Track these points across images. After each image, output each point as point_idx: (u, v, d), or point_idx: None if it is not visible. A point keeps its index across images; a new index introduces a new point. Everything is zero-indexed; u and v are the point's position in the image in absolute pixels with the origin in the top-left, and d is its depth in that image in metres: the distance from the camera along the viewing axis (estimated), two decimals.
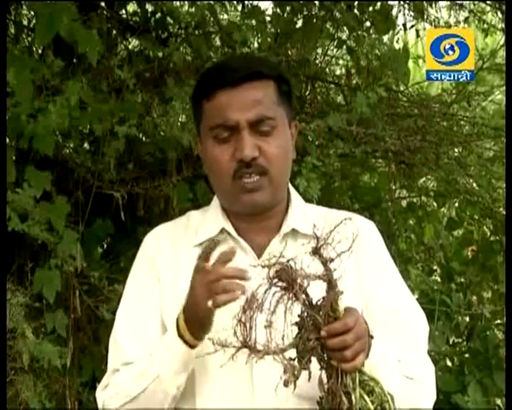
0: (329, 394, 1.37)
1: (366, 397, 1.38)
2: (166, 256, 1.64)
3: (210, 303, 1.40)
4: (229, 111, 1.55)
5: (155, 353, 1.53)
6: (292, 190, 1.69)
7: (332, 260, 1.32)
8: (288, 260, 1.32)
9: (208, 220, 1.65)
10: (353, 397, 1.36)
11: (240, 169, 1.55)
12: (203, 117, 1.61)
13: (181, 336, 1.48)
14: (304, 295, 1.33)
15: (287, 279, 1.31)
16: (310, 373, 1.34)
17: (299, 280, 1.31)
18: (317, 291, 1.35)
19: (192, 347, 1.48)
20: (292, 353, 1.34)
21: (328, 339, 1.34)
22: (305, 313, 1.34)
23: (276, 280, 1.32)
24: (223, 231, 1.62)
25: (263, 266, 1.32)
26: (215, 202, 1.67)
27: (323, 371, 1.38)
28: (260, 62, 1.70)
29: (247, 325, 1.32)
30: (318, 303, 1.34)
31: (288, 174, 1.65)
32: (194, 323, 1.46)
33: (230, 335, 1.34)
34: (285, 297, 1.32)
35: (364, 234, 1.64)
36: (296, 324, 1.34)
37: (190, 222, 1.68)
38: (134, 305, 1.64)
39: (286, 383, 1.33)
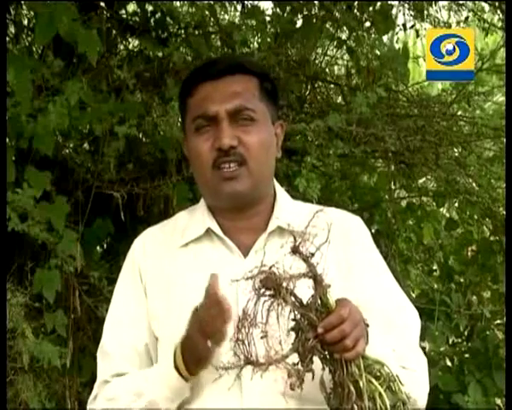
0: (337, 387, 1.37)
1: (374, 381, 1.38)
2: (153, 261, 1.64)
3: (209, 343, 1.42)
4: (210, 102, 1.57)
5: (151, 377, 1.54)
6: (278, 188, 1.69)
7: (312, 254, 1.32)
8: (270, 267, 1.32)
9: (194, 220, 1.65)
10: (361, 384, 1.36)
11: (219, 158, 1.55)
12: (187, 113, 1.62)
13: (176, 368, 1.49)
14: (293, 298, 1.33)
15: (272, 286, 1.31)
16: (313, 374, 1.34)
17: (284, 284, 1.31)
18: (305, 291, 1.35)
19: (186, 379, 1.49)
20: (293, 358, 1.34)
21: (325, 334, 1.34)
22: (298, 315, 1.34)
23: (262, 290, 1.32)
24: (208, 230, 1.62)
25: (246, 279, 1.32)
26: (202, 201, 1.67)
27: (325, 372, 1.37)
28: (242, 59, 1.72)
29: (246, 341, 1.32)
30: (309, 302, 1.35)
31: (271, 170, 1.64)
32: (191, 360, 1.47)
33: (230, 356, 1.35)
34: (275, 304, 1.32)
35: (352, 230, 1.66)
36: (292, 328, 1.34)
37: (178, 223, 1.68)
38: (121, 316, 1.65)
39: (292, 387, 1.33)
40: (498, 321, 3.79)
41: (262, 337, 1.32)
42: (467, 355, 3.79)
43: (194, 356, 1.47)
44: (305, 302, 1.35)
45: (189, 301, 1.55)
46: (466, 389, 3.51)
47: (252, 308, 1.32)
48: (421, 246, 3.86)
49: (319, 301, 1.35)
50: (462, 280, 3.94)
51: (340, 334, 1.34)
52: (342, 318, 1.35)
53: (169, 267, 1.62)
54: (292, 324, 1.35)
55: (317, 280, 1.33)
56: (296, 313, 1.34)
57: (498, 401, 3.67)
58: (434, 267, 4.07)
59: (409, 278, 3.75)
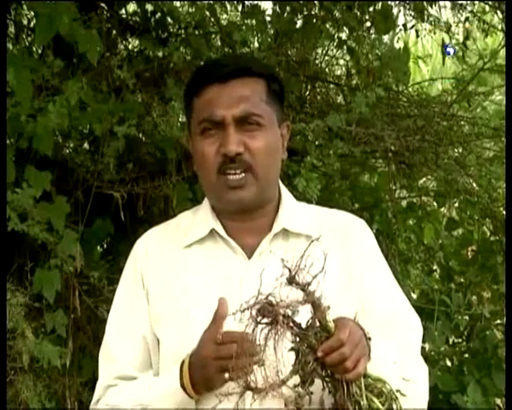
0: (338, 407, 1.37)
1: (376, 400, 1.38)
2: (156, 263, 1.64)
3: (227, 376, 1.39)
4: (216, 106, 1.55)
5: (156, 390, 1.53)
6: (283, 189, 1.68)
7: (309, 283, 1.32)
8: (267, 296, 1.31)
9: (198, 221, 1.64)
10: (362, 403, 1.36)
11: (224, 164, 1.55)
12: (193, 113, 1.61)
13: (183, 386, 1.48)
14: (291, 323, 1.33)
15: (269, 316, 1.31)
16: (310, 398, 1.35)
17: (282, 311, 1.31)
18: (304, 316, 1.35)
19: (192, 397, 1.49)
20: (292, 382, 1.35)
21: (325, 357, 1.34)
22: (298, 339, 1.34)
23: (259, 318, 1.32)
24: (212, 231, 1.62)
25: (242, 311, 1.32)
26: (205, 202, 1.66)
27: (325, 392, 1.38)
28: (250, 60, 1.70)
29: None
30: (308, 326, 1.35)
31: (277, 173, 1.64)
32: (202, 385, 1.46)
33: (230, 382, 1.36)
34: (272, 332, 1.32)
35: (356, 233, 1.66)
36: (292, 349, 1.35)
37: (181, 223, 1.68)
38: (123, 318, 1.65)
39: None
40: (498, 321, 3.78)
41: (259, 366, 1.32)
42: (466, 355, 3.79)
43: (205, 383, 1.45)
44: (304, 326, 1.35)
45: (193, 303, 1.57)
46: (465, 389, 3.50)
47: (250, 335, 1.32)
48: (422, 246, 3.85)
49: (318, 325, 1.35)
50: (462, 280, 3.94)
51: (339, 357, 1.35)
52: (342, 341, 1.35)
53: (172, 268, 1.62)
54: (290, 347, 1.35)
55: (315, 305, 1.33)
56: (295, 338, 1.34)
57: (498, 401, 3.68)
58: (434, 267, 4.07)
59: (409, 278, 3.74)
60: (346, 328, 1.36)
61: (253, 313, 1.32)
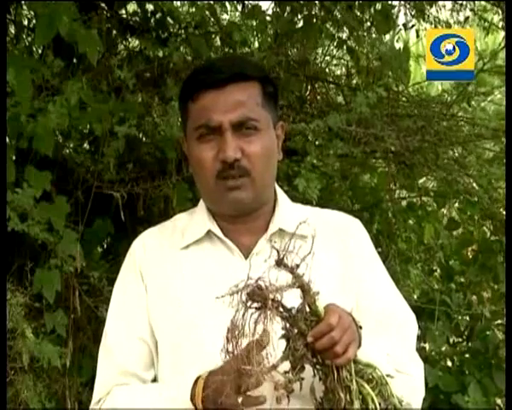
0: (329, 393, 1.37)
1: (366, 385, 1.38)
2: (154, 262, 1.64)
3: (240, 400, 1.39)
4: (213, 112, 1.55)
5: (163, 401, 1.53)
6: (278, 190, 1.69)
7: (298, 266, 1.32)
8: (256, 280, 1.32)
9: (194, 223, 1.65)
10: (352, 389, 1.36)
11: (223, 171, 1.55)
12: (189, 118, 1.61)
13: (192, 400, 1.48)
14: (281, 308, 1.33)
15: (259, 299, 1.31)
16: (301, 384, 1.35)
17: (271, 296, 1.31)
18: (294, 301, 1.35)
19: None
20: (282, 368, 1.35)
21: (315, 342, 1.34)
22: (288, 325, 1.34)
23: (249, 303, 1.32)
24: (209, 232, 1.62)
25: (231, 294, 1.32)
26: (201, 204, 1.67)
27: (315, 379, 1.38)
28: (245, 64, 1.70)
29: (235, 353, 1.32)
30: (297, 311, 1.35)
31: (273, 175, 1.65)
32: (212, 401, 1.45)
33: None
34: (261, 316, 1.32)
35: (350, 233, 1.66)
36: (283, 336, 1.35)
37: (177, 225, 1.68)
38: (124, 313, 1.64)
39: (279, 400, 1.33)
40: (498, 321, 3.79)
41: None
42: (467, 355, 3.80)
43: (216, 400, 1.44)
44: (294, 312, 1.35)
45: (191, 304, 1.57)
46: (466, 390, 3.51)
47: (240, 320, 1.32)
48: (422, 246, 3.86)
49: (308, 310, 1.35)
50: (462, 280, 3.95)
51: (329, 341, 1.35)
52: (331, 325, 1.35)
53: (170, 269, 1.62)
54: (281, 335, 1.35)
55: (304, 289, 1.33)
56: (285, 323, 1.34)
57: (498, 401, 3.68)
58: (435, 267, 4.07)
59: (409, 278, 3.74)
60: (335, 313, 1.37)
61: (243, 297, 1.31)
